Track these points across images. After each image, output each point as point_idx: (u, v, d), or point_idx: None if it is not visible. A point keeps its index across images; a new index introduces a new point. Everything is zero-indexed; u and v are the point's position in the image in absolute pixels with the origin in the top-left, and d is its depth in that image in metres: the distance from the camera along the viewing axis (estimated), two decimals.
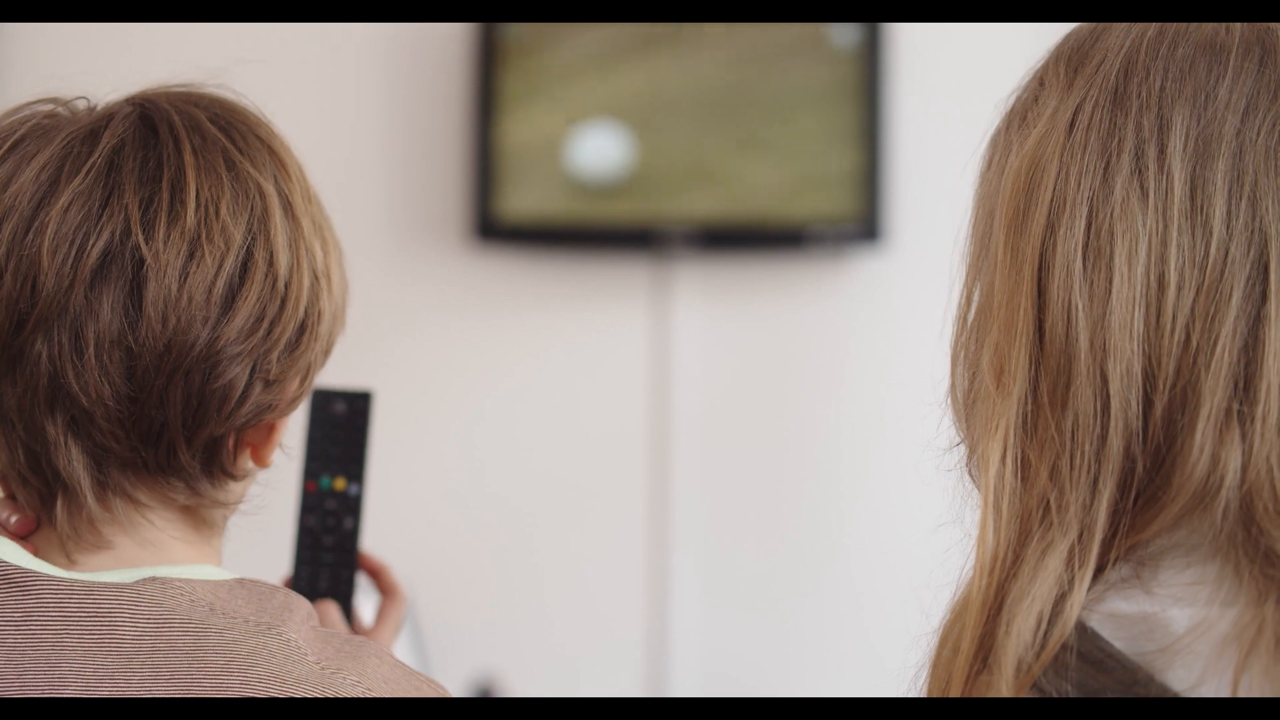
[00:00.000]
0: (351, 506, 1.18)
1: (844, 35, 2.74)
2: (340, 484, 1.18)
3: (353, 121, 2.87)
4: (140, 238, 0.89)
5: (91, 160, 0.90)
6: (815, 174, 2.75)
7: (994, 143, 0.90)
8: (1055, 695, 0.78)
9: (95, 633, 0.87)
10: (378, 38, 2.85)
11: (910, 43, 2.78)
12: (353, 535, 1.18)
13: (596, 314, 2.86)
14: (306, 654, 0.89)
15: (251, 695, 0.87)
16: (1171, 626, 0.78)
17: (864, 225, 2.73)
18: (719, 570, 2.84)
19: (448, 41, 2.83)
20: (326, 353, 1.00)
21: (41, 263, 0.88)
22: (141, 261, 0.89)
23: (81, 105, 0.96)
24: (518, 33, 2.76)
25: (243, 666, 0.87)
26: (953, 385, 0.89)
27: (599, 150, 2.76)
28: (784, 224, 2.76)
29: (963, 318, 0.89)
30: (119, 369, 0.89)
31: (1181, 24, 0.85)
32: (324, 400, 1.19)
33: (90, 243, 0.89)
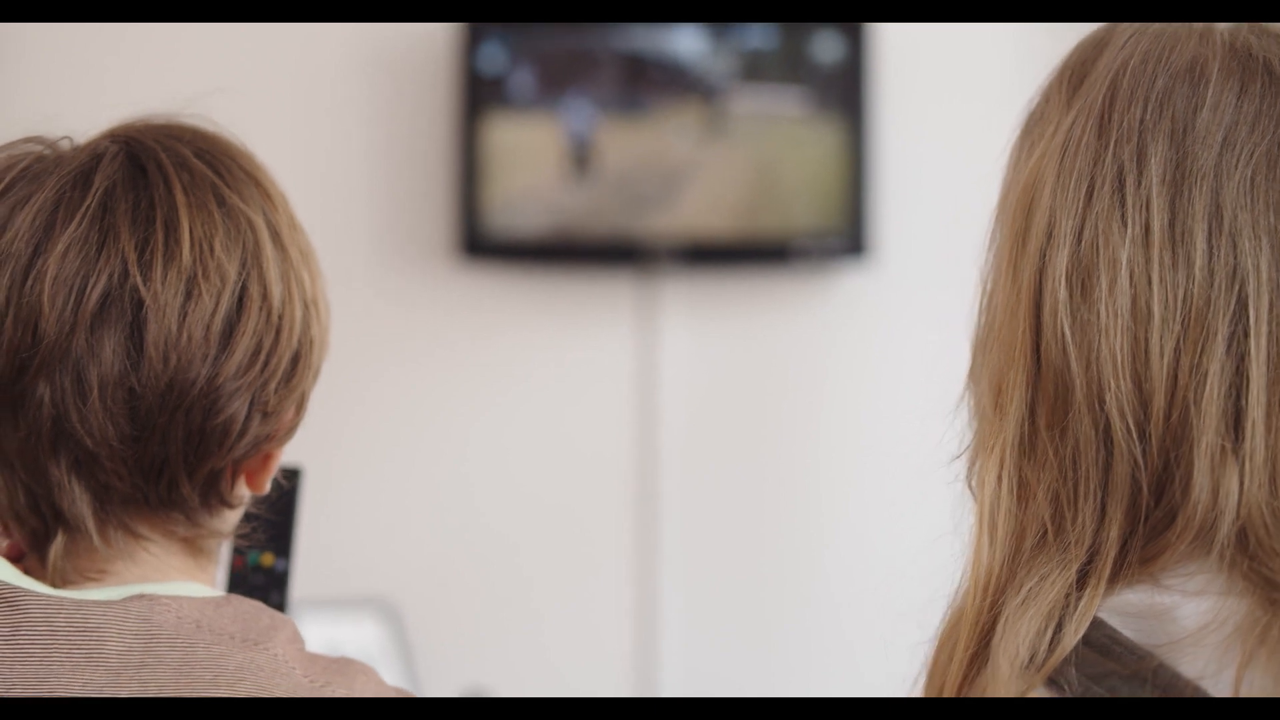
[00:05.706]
0: (278, 582, 1.16)
1: (827, 49, 2.75)
2: (268, 560, 1.16)
3: (336, 141, 2.87)
4: (138, 279, 0.90)
5: (85, 204, 0.91)
6: (801, 188, 2.76)
7: (1013, 151, 0.91)
8: (1060, 681, 0.79)
9: (83, 647, 0.87)
10: (359, 51, 2.84)
11: (895, 57, 2.79)
12: (280, 610, 1.16)
13: (583, 330, 2.86)
14: (295, 668, 0.90)
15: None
16: (1182, 621, 0.79)
17: (850, 240, 2.74)
18: (706, 584, 2.84)
19: (432, 55, 2.83)
20: (316, 377, 1.01)
21: (42, 308, 0.89)
22: (141, 303, 0.90)
23: (66, 145, 0.96)
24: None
25: (230, 681, 0.88)
26: (966, 391, 0.90)
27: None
28: (770, 239, 2.76)
29: (979, 325, 0.90)
30: (123, 410, 0.90)
31: (1169, 41, 0.85)
32: None
33: (89, 286, 0.89)
